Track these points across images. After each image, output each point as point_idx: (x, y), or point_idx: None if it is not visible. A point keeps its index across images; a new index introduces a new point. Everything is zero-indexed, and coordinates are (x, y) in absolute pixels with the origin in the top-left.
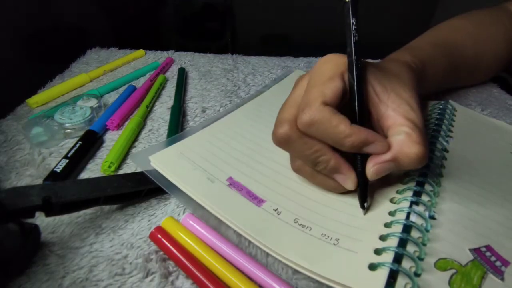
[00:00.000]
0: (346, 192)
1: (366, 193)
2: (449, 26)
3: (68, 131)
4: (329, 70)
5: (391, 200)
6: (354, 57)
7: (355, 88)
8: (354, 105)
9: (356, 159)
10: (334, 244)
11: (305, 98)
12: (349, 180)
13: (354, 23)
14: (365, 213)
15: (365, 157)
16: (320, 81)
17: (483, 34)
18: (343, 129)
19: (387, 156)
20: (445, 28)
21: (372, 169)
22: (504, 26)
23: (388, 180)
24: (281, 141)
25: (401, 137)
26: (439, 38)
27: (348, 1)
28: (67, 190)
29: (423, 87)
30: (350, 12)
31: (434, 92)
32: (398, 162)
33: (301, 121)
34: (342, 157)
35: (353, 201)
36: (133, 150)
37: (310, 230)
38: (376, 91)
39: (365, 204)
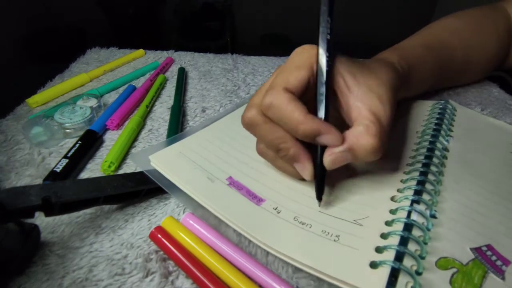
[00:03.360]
0: (345, 192)
1: (323, 186)
2: (441, 26)
3: (68, 131)
4: (299, 60)
5: (392, 199)
6: (320, 49)
7: (317, 78)
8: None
9: (317, 150)
10: (334, 240)
11: (271, 83)
12: (306, 170)
13: (329, 20)
14: (320, 205)
15: (324, 149)
16: (288, 69)
17: (475, 35)
18: (297, 115)
19: (343, 146)
20: (437, 28)
21: (328, 158)
22: (498, 27)
23: (389, 178)
24: (248, 124)
25: (360, 129)
26: (430, 39)
27: None
28: (66, 190)
29: (410, 88)
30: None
31: (422, 93)
32: (353, 152)
33: (262, 104)
34: (304, 147)
35: (353, 199)
36: (133, 150)
37: (310, 227)
38: (348, 83)
39: (322, 197)
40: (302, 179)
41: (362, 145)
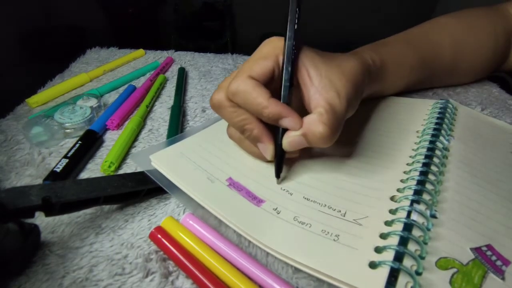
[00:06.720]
0: (345, 191)
1: (281, 165)
2: (433, 24)
3: (68, 130)
4: (265, 51)
5: (392, 199)
6: (286, 38)
7: (282, 67)
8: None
9: (278, 133)
10: (334, 240)
11: (238, 71)
12: (268, 150)
13: (297, 10)
14: (278, 182)
15: (285, 131)
16: (254, 58)
17: (469, 35)
18: (260, 101)
19: (298, 131)
20: (428, 26)
21: (285, 140)
22: (495, 28)
23: (389, 178)
24: (215, 106)
25: (314, 116)
26: (415, 35)
27: None
28: (67, 190)
29: (384, 83)
30: None
31: (404, 89)
32: (306, 138)
33: (228, 90)
34: (267, 129)
35: (353, 198)
36: (133, 150)
37: (310, 227)
38: (310, 74)
39: (280, 174)
40: (266, 160)
41: (313, 131)
